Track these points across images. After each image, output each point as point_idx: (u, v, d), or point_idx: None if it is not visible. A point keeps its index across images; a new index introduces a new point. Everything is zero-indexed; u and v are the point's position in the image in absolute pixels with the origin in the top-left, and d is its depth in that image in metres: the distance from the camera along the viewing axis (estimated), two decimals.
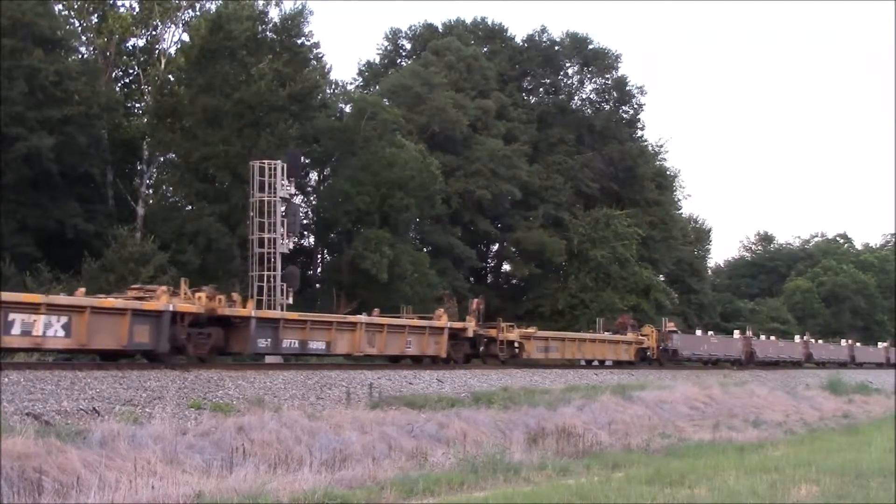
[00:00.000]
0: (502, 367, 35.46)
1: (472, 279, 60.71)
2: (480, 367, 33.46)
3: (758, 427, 27.34)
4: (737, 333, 57.28)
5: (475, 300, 36.13)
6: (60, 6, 41.40)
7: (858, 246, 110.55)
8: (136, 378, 19.92)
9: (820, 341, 68.85)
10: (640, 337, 44.36)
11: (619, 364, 41.50)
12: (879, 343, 76.95)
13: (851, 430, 27.62)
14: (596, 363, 41.82)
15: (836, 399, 39.04)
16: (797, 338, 65.61)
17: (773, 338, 63.13)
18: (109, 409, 17.23)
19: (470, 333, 33.12)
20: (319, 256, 52.71)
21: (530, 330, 37.19)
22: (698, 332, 54.78)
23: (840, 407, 36.57)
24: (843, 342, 70.73)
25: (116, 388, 18.88)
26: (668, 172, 74.05)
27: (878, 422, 31.15)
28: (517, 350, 35.49)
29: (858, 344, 72.77)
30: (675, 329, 47.85)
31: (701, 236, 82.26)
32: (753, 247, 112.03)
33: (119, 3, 43.59)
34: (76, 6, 42.14)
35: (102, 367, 20.76)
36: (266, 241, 37.02)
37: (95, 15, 42.57)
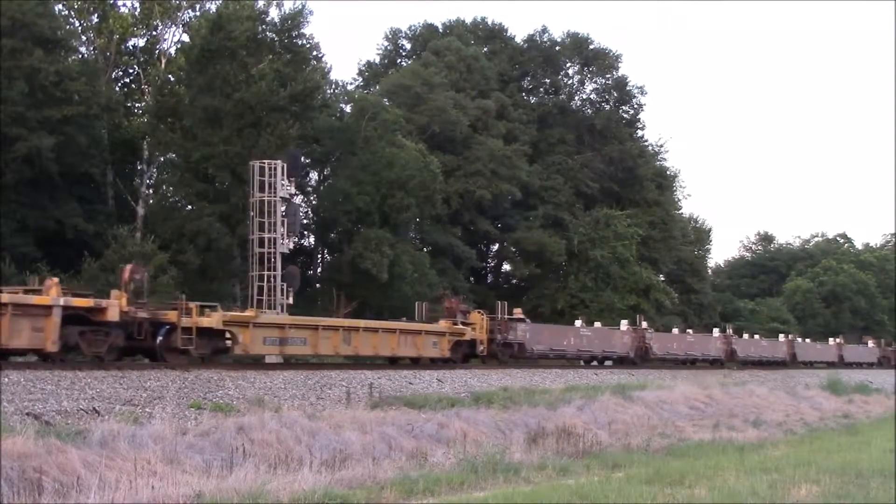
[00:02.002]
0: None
1: (472, 279, 60.72)
2: (481, 367, 33.43)
3: (758, 427, 27.33)
4: (716, 331, 54.19)
5: (128, 266, 24.03)
6: (60, 6, 41.45)
7: (858, 246, 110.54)
8: (136, 378, 19.93)
9: (807, 340, 66.93)
10: (459, 327, 32.92)
11: (415, 361, 30.89)
12: (869, 342, 74.41)
13: (851, 430, 27.62)
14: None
15: (836, 399, 39.01)
16: (781, 337, 63.05)
17: (757, 336, 60.95)
18: (109, 409, 17.24)
19: (112, 316, 21.47)
20: (319, 256, 52.74)
21: (247, 313, 25.34)
22: (675, 330, 51.38)
23: (840, 407, 36.56)
24: (831, 341, 68.52)
25: (116, 388, 18.89)
26: (668, 172, 74.07)
27: (878, 422, 31.17)
28: (228, 342, 24.59)
29: (757, 336, 70.08)
30: (522, 317, 37.39)
31: (701, 236, 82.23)
32: (753, 247, 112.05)
33: (119, 4, 43.65)
34: (76, 6, 42.17)
35: (102, 367, 20.75)
36: (266, 241, 37.02)
37: (95, 15, 42.60)
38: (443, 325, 32.52)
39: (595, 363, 42.02)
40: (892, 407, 37.40)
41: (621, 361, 42.89)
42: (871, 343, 73.60)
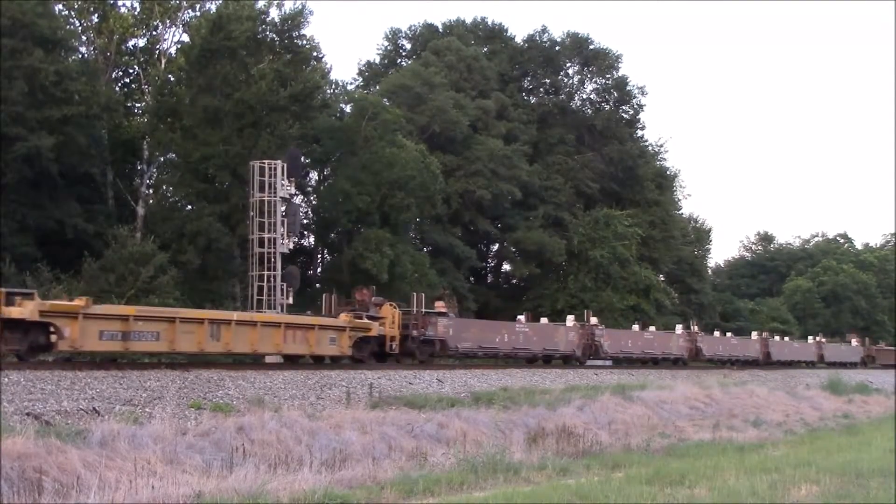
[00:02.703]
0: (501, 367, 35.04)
1: (472, 279, 60.71)
2: (481, 367, 33.44)
3: (758, 427, 27.35)
4: (679, 328, 50.67)
5: None
6: (60, 6, 41.40)
7: (858, 246, 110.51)
8: (136, 378, 19.92)
9: (786, 338, 64.44)
10: (364, 321, 29.07)
11: (318, 360, 27.89)
12: (853, 340, 71.65)
13: (851, 430, 27.63)
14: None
15: (836, 399, 39.04)
16: (754, 335, 59.53)
17: (729, 334, 58.51)
18: (109, 409, 17.24)
19: None
20: (319, 256, 52.74)
21: (75, 302, 20.70)
22: (635, 327, 48.76)
23: (840, 407, 36.58)
24: (810, 339, 65.82)
25: (116, 388, 18.89)
26: (668, 172, 74.08)
27: (878, 422, 31.18)
28: (53, 337, 20.19)
29: (824, 341, 67.68)
30: (443, 311, 33.70)
31: (701, 236, 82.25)
32: (753, 247, 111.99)
33: (119, 4, 43.63)
34: (76, 6, 42.13)
35: (102, 366, 20.76)
36: (266, 241, 37.11)
37: (95, 15, 42.56)
38: (343, 318, 28.25)
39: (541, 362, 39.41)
40: (892, 407, 37.42)
41: (566, 361, 39.88)
42: (854, 341, 71.17)
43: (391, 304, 31.16)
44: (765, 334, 60.38)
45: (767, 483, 13.44)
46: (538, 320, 43.73)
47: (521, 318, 40.99)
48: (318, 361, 27.77)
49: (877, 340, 78.26)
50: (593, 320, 42.56)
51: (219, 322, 23.77)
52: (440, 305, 34.08)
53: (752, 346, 56.06)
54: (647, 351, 45.79)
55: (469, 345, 34.09)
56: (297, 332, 26.23)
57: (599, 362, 42.10)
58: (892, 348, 76.17)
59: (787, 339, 64.76)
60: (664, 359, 46.82)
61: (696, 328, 52.54)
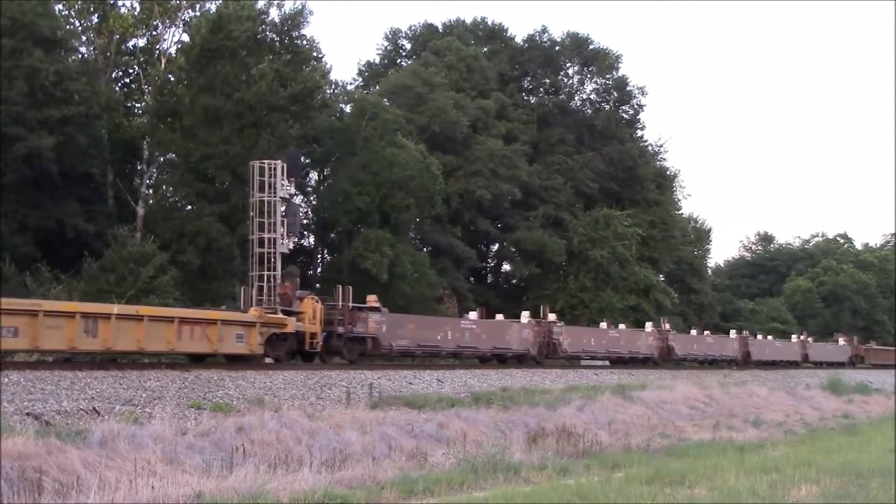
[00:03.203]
0: (503, 366, 34.68)
1: (472, 279, 60.71)
2: (481, 367, 33.43)
3: (758, 427, 27.36)
4: (649, 326, 47.42)
5: None
6: (60, 6, 41.41)
7: (858, 246, 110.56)
8: (136, 378, 19.93)
9: (770, 337, 61.86)
10: (278, 316, 26.52)
11: (196, 359, 24.40)
12: (840, 339, 68.91)
13: (851, 430, 27.63)
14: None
15: (836, 399, 39.04)
16: (732, 333, 56.23)
17: (706, 333, 54.68)
18: (109, 409, 17.25)
19: None
20: (319, 256, 52.74)
21: None
22: (603, 324, 45.71)
23: (840, 407, 36.58)
24: (794, 338, 62.78)
25: (116, 388, 18.90)
26: (667, 172, 74.05)
27: (878, 422, 31.17)
28: None
29: (811, 339, 64.74)
30: (375, 306, 30.86)
31: (701, 236, 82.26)
32: (753, 247, 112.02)
33: (119, 4, 43.64)
34: (76, 6, 42.15)
35: (102, 366, 20.77)
36: (266, 241, 37.00)
37: (95, 15, 42.58)
38: (252, 313, 25.57)
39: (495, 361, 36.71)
40: (892, 407, 37.41)
41: (521, 360, 36.84)
42: (842, 340, 68.53)
43: (313, 298, 28.26)
44: (745, 332, 57.41)
45: (767, 483, 13.44)
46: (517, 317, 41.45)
47: (473, 314, 37.76)
48: (234, 361, 24.70)
49: (867, 340, 77.08)
50: (551, 317, 39.24)
51: (95, 316, 21.03)
52: (372, 300, 31.16)
53: (729, 344, 53.02)
54: (612, 350, 42.47)
55: (405, 343, 31.08)
56: (196, 327, 23.28)
57: (599, 362, 41.95)
58: (882, 347, 74.74)
59: (769, 337, 62.28)
60: (632, 359, 43.70)
61: (667, 326, 48.63)
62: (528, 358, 37.26)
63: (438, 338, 32.65)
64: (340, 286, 30.38)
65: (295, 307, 27.86)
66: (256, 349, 25.08)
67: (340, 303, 29.40)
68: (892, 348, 76.43)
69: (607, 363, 42.41)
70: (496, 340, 35.71)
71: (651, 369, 41.73)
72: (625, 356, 43.25)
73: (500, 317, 39.00)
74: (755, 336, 60.37)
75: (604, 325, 45.99)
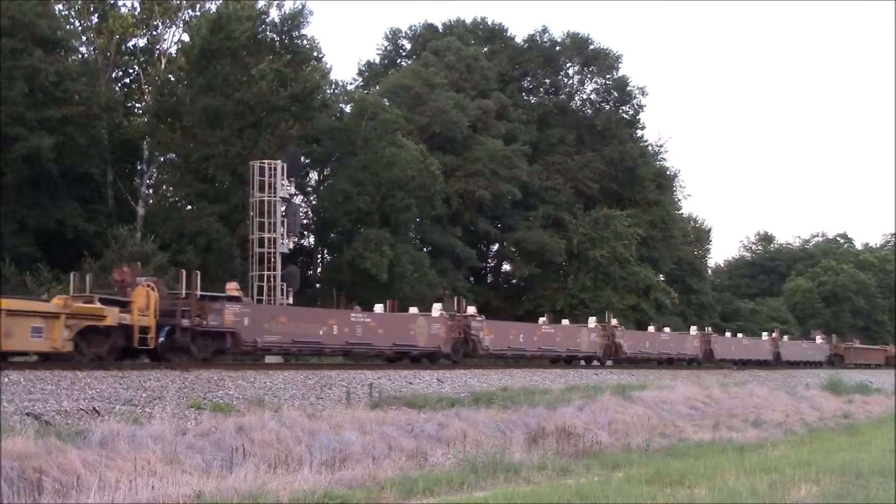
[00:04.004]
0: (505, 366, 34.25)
1: (472, 279, 60.71)
2: (481, 367, 33.41)
3: (758, 427, 27.33)
4: (592, 321, 42.61)
5: None
6: (60, 6, 41.46)
7: (858, 246, 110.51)
8: (136, 378, 19.94)
9: (740, 335, 58.37)
10: (94, 306, 21.63)
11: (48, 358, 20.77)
12: (818, 337, 64.80)
13: (851, 430, 27.60)
14: None
15: (836, 399, 39.02)
16: (693, 329, 51.48)
17: (667, 329, 49.68)
18: (109, 409, 17.25)
19: None
20: (319, 256, 52.74)
21: None
22: (543, 320, 40.25)
23: (840, 407, 36.55)
24: (765, 335, 58.04)
25: (116, 388, 18.90)
26: (668, 172, 74.06)
27: (878, 422, 31.16)
28: None
29: (786, 338, 60.83)
30: (236, 295, 26.32)
31: (701, 236, 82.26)
32: (753, 247, 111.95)
33: (119, 4, 43.68)
34: (76, 6, 42.18)
35: (102, 366, 20.76)
36: (266, 241, 37.14)
37: (95, 15, 42.61)
38: (56, 302, 20.87)
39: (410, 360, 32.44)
40: (892, 407, 37.39)
41: (432, 359, 32.23)
42: (819, 338, 64.53)
43: (147, 285, 23.32)
44: (708, 329, 52.37)
45: (767, 483, 13.44)
46: (536, 321, 40.13)
47: (379, 307, 32.62)
48: (50, 359, 20.64)
49: (848, 338, 75.13)
50: (470, 310, 34.61)
51: None
52: (231, 288, 26.47)
53: (689, 342, 48.46)
54: (545, 347, 38.07)
55: (276, 338, 26.34)
56: None
57: (611, 364, 41.58)
58: (865, 346, 71.76)
59: (739, 335, 58.39)
60: (571, 357, 39.73)
61: (614, 321, 43.86)
62: (439, 357, 32.40)
63: (320, 333, 27.72)
64: (184, 270, 25.99)
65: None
66: (62, 346, 20.46)
67: (184, 291, 24.64)
68: (878, 347, 74.43)
69: (609, 363, 42.00)
70: (397, 336, 30.61)
71: (596, 369, 38.93)
72: (562, 354, 38.91)
73: (413, 310, 33.66)
74: (727, 333, 56.72)
75: (543, 319, 41.07)
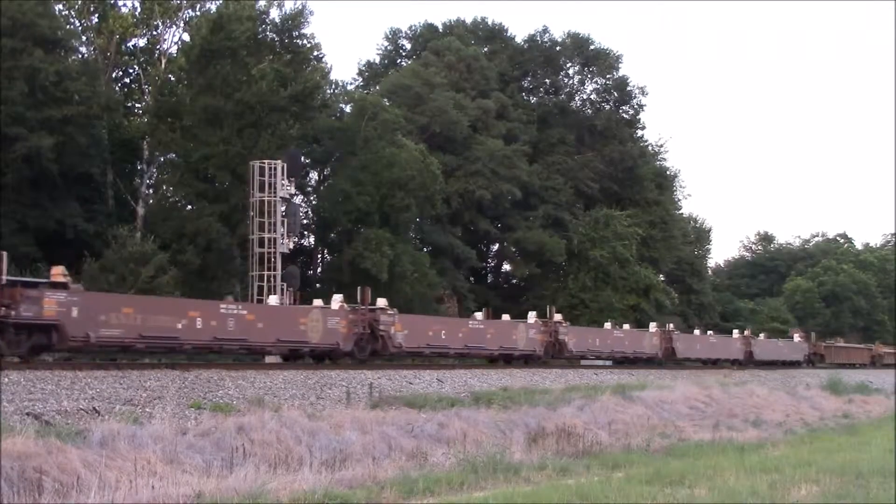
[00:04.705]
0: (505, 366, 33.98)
1: (472, 279, 60.72)
2: (481, 367, 33.41)
3: (758, 427, 27.33)
4: (532, 316, 38.32)
5: None
6: (60, 6, 41.45)
7: (858, 246, 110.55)
8: (136, 378, 19.95)
9: (709, 332, 54.28)
10: None
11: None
12: (796, 336, 60.96)
13: (851, 430, 27.61)
14: None
15: (836, 399, 39.02)
16: (652, 326, 47.11)
17: (625, 326, 45.47)
18: (109, 409, 17.26)
19: None
20: (319, 256, 52.76)
21: None
22: (479, 315, 36.27)
23: (840, 407, 36.55)
24: (736, 333, 54.01)
25: (116, 388, 18.91)
26: (668, 172, 74.08)
27: (878, 422, 31.17)
28: None
29: (762, 336, 57.40)
30: (63, 281, 22.45)
31: (701, 236, 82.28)
32: (753, 247, 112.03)
33: (119, 4, 43.68)
34: (76, 6, 42.18)
35: (102, 366, 20.78)
36: (266, 241, 37.17)
37: (95, 15, 42.62)
38: None
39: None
40: (892, 407, 37.40)
41: (324, 359, 28.74)
42: (797, 337, 60.58)
43: None
44: (670, 326, 48.17)
45: (767, 483, 13.45)
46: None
47: (273, 298, 30.10)
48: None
49: (830, 336, 73.10)
50: (380, 302, 30.61)
51: None
52: (56, 273, 22.65)
53: (647, 340, 44.42)
54: (469, 344, 34.62)
55: (118, 332, 22.66)
56: None
57: (601, 363, 41.55)
58: (847, 345, 68.80)
59: (710, 332, 54.53)
60: (505, 356, 36.35)
61: (558, 316, 39.65)
62: (339, 355, 28.82)
63: (179, 327, 24.17)
64: None
65: None
66: None
67: None
68: (861, 346, 71.70)
69: (609, 363, 41.96)
70: (283, 332, 27.03)
71: (596, 369, 37.18)
72: (494, 352, 35.79)
73: (318, 302, 29.70)
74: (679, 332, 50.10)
75: (479, 315, 37.33)
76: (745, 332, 54.09)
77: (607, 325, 45.02)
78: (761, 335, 57.53)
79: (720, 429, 25.55)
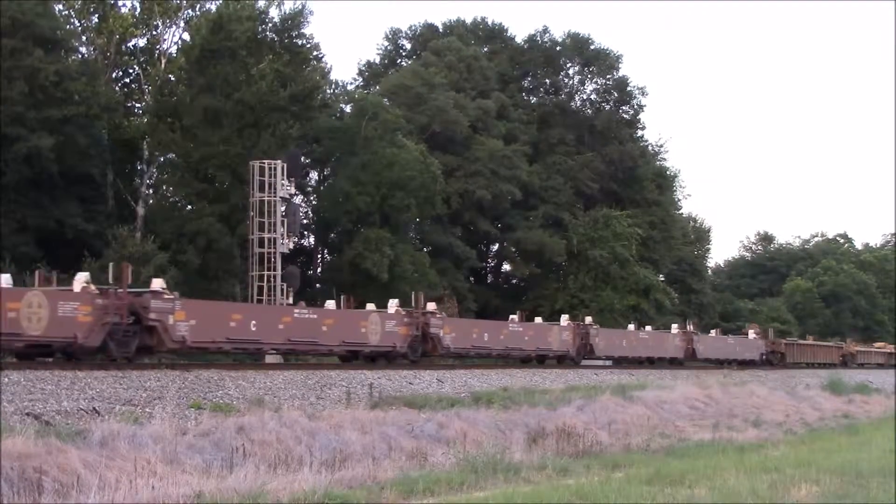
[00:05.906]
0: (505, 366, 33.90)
1: (472, 279, 60.72)
2: (481, 367, 33.41)
3: (758, 427, 27.32)
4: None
5: None
6: (60, 6, 41.46)
7: (858, 246, 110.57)
8: (136, 378, 19.94)
9: (631, 326, 46.14)
10: None
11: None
12: (751, 332, 55.23)
13: (851, 430, 27.59)
14: None
15: (836, 399, 39.01)
16: (563, 319, 40.46)
17: (516, 318, 37.38)
18: (109, 409, 17.26)
19: None
20: (319, 256, 52.77)
21: None
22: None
23: (840, 407, 36.54)
24: (675, 328, 47.74)
25: (116, 388, 18.91)
26: (668, 172, 74.05)
27: (878, 422, 31.15)
28: None
29: (714, 333, 53.29)
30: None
31: (701, 236, 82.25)
32: (753, 247, 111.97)
33: (119, 4, 43.69)
34: (76, 6, 42.18)
35: (102, 366, 20.77)
36: (266, 241, 37.20)
37: (95, 15, 42.62)
38: None
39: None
40: (892, 407, 37.39)
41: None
42: (752, 333, 54.72)
43: None
44: (588, 319, 42.22)
45: (767, 483, 13.44)
46: (532, 320, 38.08)
47: (157, 281, 25.14)
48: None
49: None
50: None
51: None
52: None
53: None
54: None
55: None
56: None
57: (601, 363, 41.53)
58: (813, 343, 61.38)
59: (637, 327, 46.62)
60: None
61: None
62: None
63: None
64: None
65: None
66: None
67: None
68: (830, 343, 64.18)
69: (609, 363, 41.87)
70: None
71: (596, 369, 37.04)
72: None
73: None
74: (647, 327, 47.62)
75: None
76: (689, 327, 48.92)
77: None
78: (714, 331, 53.98)
79: (720, 429, 25.54)
